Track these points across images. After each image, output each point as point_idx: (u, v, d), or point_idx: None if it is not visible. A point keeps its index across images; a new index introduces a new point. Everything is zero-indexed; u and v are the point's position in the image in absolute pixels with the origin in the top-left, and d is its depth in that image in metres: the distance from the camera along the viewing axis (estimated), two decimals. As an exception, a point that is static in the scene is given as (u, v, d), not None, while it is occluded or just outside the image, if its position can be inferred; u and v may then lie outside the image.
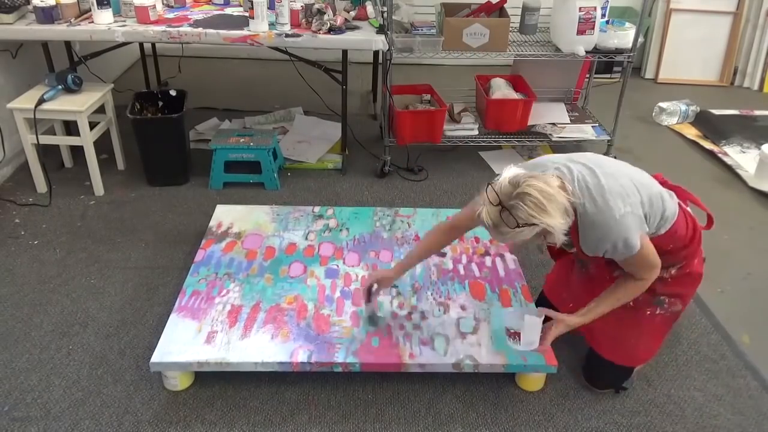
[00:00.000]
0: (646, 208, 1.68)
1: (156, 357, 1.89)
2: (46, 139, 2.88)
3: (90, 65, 3.22)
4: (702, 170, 3.46)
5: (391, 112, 3.13)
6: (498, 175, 1.64)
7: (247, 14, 2.82)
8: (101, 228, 2.73)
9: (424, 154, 3.41)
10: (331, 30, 2.82)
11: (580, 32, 2.99)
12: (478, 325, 2.06)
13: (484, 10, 3.17)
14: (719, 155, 3.57)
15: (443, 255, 2.40)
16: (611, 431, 1.88)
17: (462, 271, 2.32)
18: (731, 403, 1.99)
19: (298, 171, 3.26)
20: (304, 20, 2.88)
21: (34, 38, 2.79)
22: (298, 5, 2.86)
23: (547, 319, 1.85)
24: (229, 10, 3.08)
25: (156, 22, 2.83)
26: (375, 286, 2.03)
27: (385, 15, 2.83)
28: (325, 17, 2.82)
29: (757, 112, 4.18)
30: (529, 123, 3.30)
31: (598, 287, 1.88)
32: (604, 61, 3.54)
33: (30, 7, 2.83)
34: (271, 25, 2.82)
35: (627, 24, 3.22)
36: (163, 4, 3.03)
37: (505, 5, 3.17)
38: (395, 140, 3.19)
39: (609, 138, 3.34)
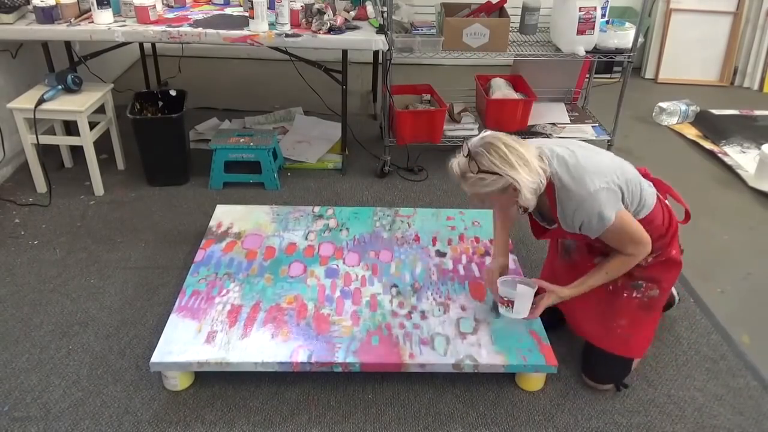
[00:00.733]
0: (623, 188, 1.74)
1: (156, 357, 1.89)
2: (46, 139, 2.88)
3: (90, 65, 3.22)
4: (702, 170, 3.46)
5: (391, 112, 3.13)
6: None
7: (247, 14, 2.82)
8: (101, 228, 2.73)
9: (424, 154, 3.41)
10: (331, 30, 2.82)
11: (580, 32, 2.99)
12: (478, 325, 2.05)
13: (484, 10, 3.17)
14: (719, 155, 3.57)
15: (443, 255, 2.40)
16: (611, 431, 1.88)
17: (462, 271, 2.32)
18: (731, 403, 1.99)
19: (298, 171, 3.26)
20: (304, 20, 2.88)
21: (34, 38, 2.79)
22: (298, 5, 2.86)
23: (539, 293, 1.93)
24: (229, 10, 3.08)
25: (156, 22, 2.83)
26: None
27: (385, 15, 2.83)
28: (325, 17, 2.82)
29: (757, 112, 4.18)
30: (529, 123, 3.30)
31: (581, 273, 1.92)
32: (604, 61, 3.54)
33: (30, 7, 2.83)
34: (271, 25, 2.82)
35: (627, 24, 3.22)
36: (163, 4, 3.03)
37: (505, 5, 3.17)
38: (395, 140, 3.19)
39: (609, 138, 3.34)
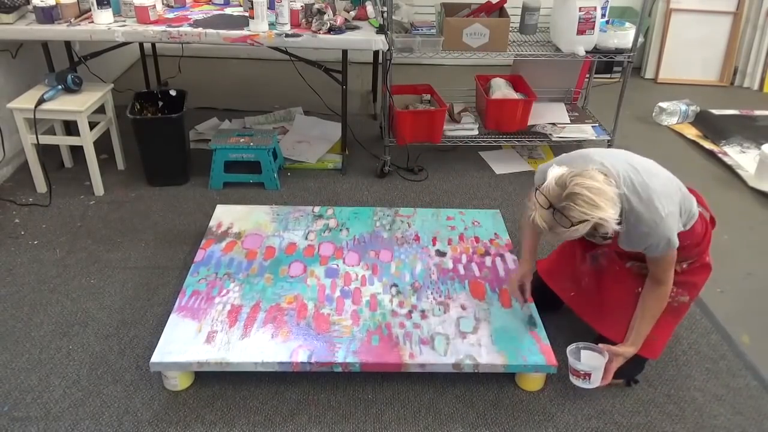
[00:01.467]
0: (680, 206, 1.76)
1: (156, 357, 1.89)
2: (46, 139, 2.88)
3: (90, 65, 3.22)
4: (702, 170, 3.46)
5: (391, 112, 3.13)
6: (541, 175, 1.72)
7: (247, 14, 2.82)
8: (101, 228, 2.73)
9: (424, 154, 3.41)
10: (331, 30, 2.82)
11: (580, 32, 2.99)
12: (478, 324, 2.06)
13: (484, 10, 3.17)
14: (719, 155, 3.57)
15: (443, 254, 2.40)
16: (611, 431, 1.88)
17: (462, 271, 2.32)
18: (731, 403, 1.99)
19: (298, 171, 3.26)
20: (304, 20, 2.88)
21: (34, 38, 2.78)
22: (298, 5, 2.86)
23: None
24: (229, 10, 3.08)
25: (156, 22, 2.83)
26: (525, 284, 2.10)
27: (385, 15, 2.83)
28: (325, 17, 2.82)
29: (757, 112, 4.18)
30: (529, 123, 3.30)
31: (607, 278, 1.95)
32: (604, 61, 3.54)
33: (30, 7, 2.83)
34: (271, 25, 2.82)
35: (627, 24, 3.22)
36: (163, 4, 3.03)
37: (505, 5, 3.17)
38: (395, 140, 3.19)
39: (609, 138, 3.34)
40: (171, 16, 2.95)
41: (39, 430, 1.81)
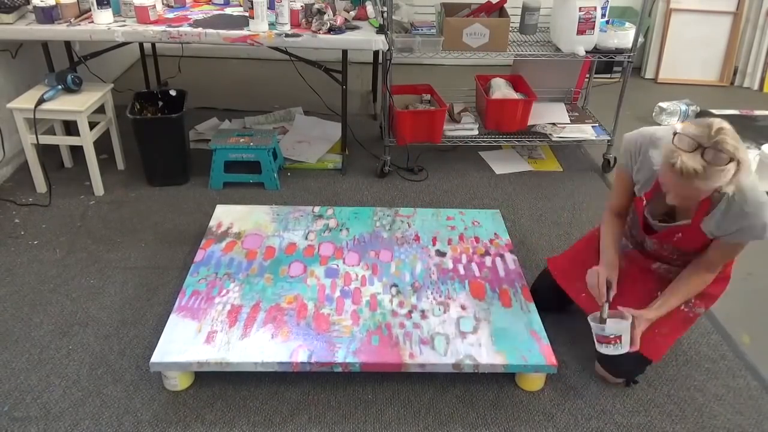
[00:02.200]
0: None
1: (156, 357, 1.89)
2: (46, 139, 2.88)
3: (90, 65, 3.22)
4: (702, 170, 3.46)
5: (391, 112, 3.13)
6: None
7: (247, 14, 2.82)
8: (101, 228, 2.73)
9: (424, 154, 3.41)
10: (331, 30, 2.81)
11: (580, 32, 2.99)
12: (478, 324, 2.05)
13: (484, 10, 3.17)
14: (719, 155, 3.57)
15: (443, 254, 2.40)
16: (611, 431, 1.88)
17: (462, 271, 2.32)
18: (731, 403, 1.99)
19: (298, 171, 3.26)
20: (304, 20, 2.88)
21: (34, 38, 2.78)
22: (298, 5, 2.86)
23: None
24: (229, 10, 3.08)
25: (156, 22, 2.83)
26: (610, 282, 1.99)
27: (385, 15, 2.83)
28: (325, 17, 2.82)
29: (757, 112, 4.18)
30: (529, 123, 3.30)
31: (626, 280, 1.93)
32: (604, 61, 3.54)
33: (30, 7, 2.83)
34: (271, 25, 2.82)
35: (627, 24, 3.22)
36: (163, 4, 3.03)
37: (505, 5, 3.17)
38: (395, 140, 3.19)
39: (609, 138, 3.34)
40: (171, 16, 2.95)
41: (39, 430, 1.81)
